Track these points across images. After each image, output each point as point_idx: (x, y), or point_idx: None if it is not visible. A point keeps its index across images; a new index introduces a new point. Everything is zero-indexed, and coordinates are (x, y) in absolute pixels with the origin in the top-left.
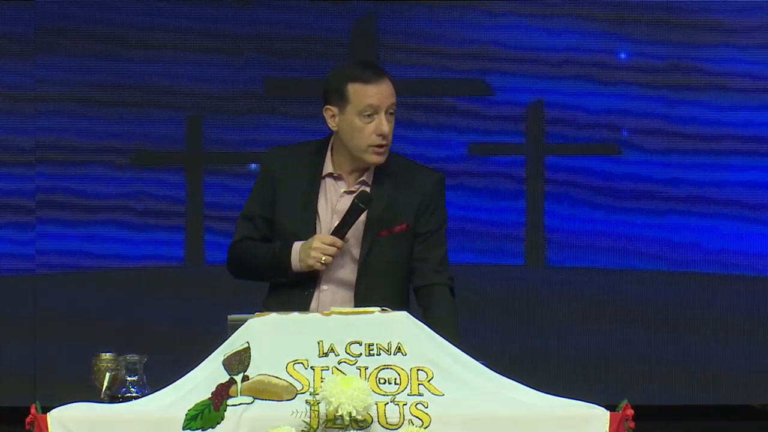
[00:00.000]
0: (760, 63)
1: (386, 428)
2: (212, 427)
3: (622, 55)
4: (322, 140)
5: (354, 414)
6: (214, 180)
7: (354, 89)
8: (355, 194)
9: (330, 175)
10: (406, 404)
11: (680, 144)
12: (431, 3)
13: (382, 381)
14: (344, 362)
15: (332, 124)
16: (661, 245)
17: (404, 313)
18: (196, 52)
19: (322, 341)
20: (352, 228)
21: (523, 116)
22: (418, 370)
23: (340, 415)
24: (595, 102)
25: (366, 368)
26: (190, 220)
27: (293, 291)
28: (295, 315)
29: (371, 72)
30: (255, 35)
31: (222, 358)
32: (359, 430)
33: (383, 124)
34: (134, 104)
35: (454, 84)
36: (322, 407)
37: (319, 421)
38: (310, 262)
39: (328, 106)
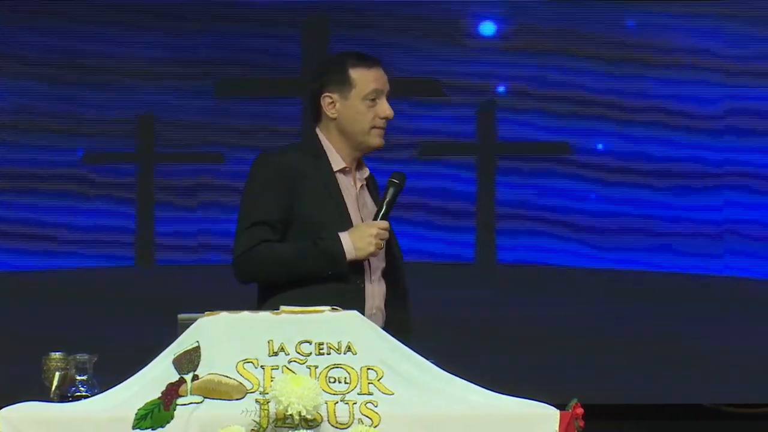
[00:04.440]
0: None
1: (336, 427)
2: (162, 427)
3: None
4: (305, 141)
5: (304, 413)
6: (166, 177)
7: (358, 74)
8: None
9: (341, 170)
10: (356, 403)
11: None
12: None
13: (332, 380)
14: (294, 361)
15: (331, 111)
16: (605, 242)
17: (355, 313)
18: (148, 51)
19: (272, 340)
20: (367, 217)
21: (475, 116)
22: (368, 369)
23: (290, 415)
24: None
25: (316, 367)
26: (140, 220)
27: (339, 285)
28: (245, 314)
29: (369, 58)
30: (206, 34)
31: (172, 358)
32: (309, 429)
33: (387, 107)
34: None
35: (406, 83)
36: (272, 406)
37: (268, 421)
38: (372, 249)
39: (328, 94)
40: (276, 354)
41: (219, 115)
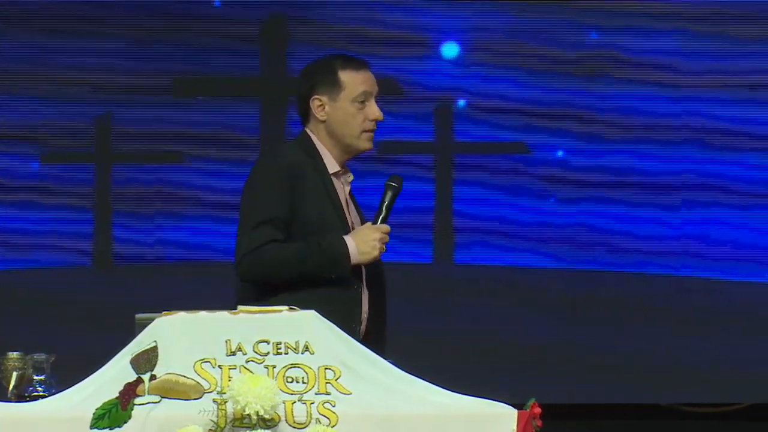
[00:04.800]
0: (668, 51)
1: (294, 427)
2: (119, 427)
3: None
4: (297, 141)
5: (261, 413)
6: (122, 176)
7: (347, 76)
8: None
9: (334, 173)
10: (313, 403)
11: (591, 140)
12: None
13: (289, 380)
14: (252, 361)
15: (320, 114)
16: (569, 241)
17: (312, 312)
18: (106, 47)
19: (230, 340)
20: (354, 224)
21: (432, 114)
22: (325, 369)
23: (248, 414)
24: (507, 100)
25: (274, 367)
26: (98, 221)
27: (340, 289)
28: (203, 314)
29: (358, 61)
30: (164, 31)
31: (129, 357)
32: (266, 429)
33: (376, 109)
34: (45, 97)
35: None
36: (230, 406)
37: (226, 420)
38: (376, 253)
39: (317, 96)
40: (234, 354)
41: (178, 115)
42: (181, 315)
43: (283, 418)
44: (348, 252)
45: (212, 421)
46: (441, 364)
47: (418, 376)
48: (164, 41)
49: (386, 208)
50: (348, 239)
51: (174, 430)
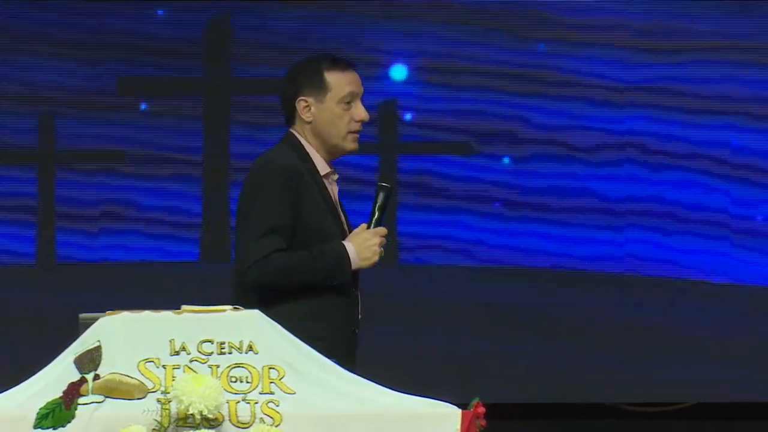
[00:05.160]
0: (613, 64)
1: (238, 427)
2: (63, 426)
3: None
4: (287, 145)
5: (205, 413)
6: (66, 178)
7: (333, 78)
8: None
9: (324, 175)
10: (257, 403)
11: (531, 147)
12: (286, 2)
13: (233, 379)
14: (196, 361)
15: (306, 115)
16: (513, 246)
17: (256, 312)
18: (50, 49)
19: (173, 340)
20: (345, 225)
21: (376, 116)
22: (269, 368)
23: (192, 414)
24: (448, 103)
25: (217, 367)
26: (42, 218)
27: (340, 294)
28: (147, 313)
29: (343, 61)
30: (108, 33)
31: (73, 357)
32: (210, 428)
33: (363, 110)
34: None
35: None
36: (174, 406)
37: (170, 420)
38: (376, 258)
39: (303, 98)
40: (177, 353)
41: (121, 114)
42: (125, 315)
43: (226, 418)
44: (349, 259)
45: (156, 420)
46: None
47: (360, 375)
48: (108, 40)
49: (379, 209)
50: (348, 245)
51: (118, 429)
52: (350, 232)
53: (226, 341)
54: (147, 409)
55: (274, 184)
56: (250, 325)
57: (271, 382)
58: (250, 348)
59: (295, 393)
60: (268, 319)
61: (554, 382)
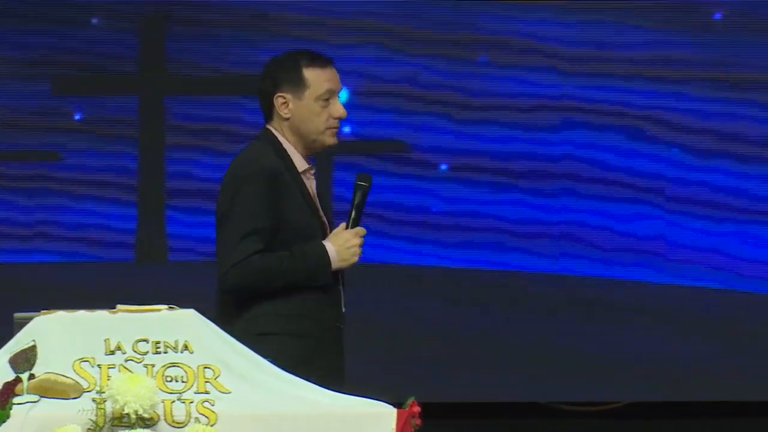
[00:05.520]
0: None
1: (173, 426)
2: None
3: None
4: (265, 142)
5: (140, 412)
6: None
7: (312, 74)
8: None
9: (303, 171)
10: (192, 402)
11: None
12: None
13: (168, 379)
14: (131, 360)
15: (284, 111)
16: (439, 242)
17: (192, 311)
18: None
19: (109, 339)
20: (324, 220)
21: None
22: (204, 368)
23: (127, 414)
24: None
25: (153, 366)
26: None
27: (321, 293)
28: (82, 313)
29: (323, 58)
30: (43, 31)
31: (8, 357)
32: (145, 428)
33: (340, 107)
34: None
35: (245, 81)
36: (109, 405)
37: (105, 420)
38: (356, 259)
39: (281, 94)
40: (113, 353)
41: (56, 114)
42: (60, 314)
43: (162, 418)
44: (330, 260)
45: (91, 420)
46: None
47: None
48: (42, 40)
49: (357, 208)
50: (328, 246)
51: (53, 429)
52: (331, 225)
53: (162, 341)
54: (82, 408)
55: (254, 185)
56: (186, 324)
57: (207, 382)
58: (186, 347)
59: (230, 392)
60: (204, 318)
61: (491, 381)
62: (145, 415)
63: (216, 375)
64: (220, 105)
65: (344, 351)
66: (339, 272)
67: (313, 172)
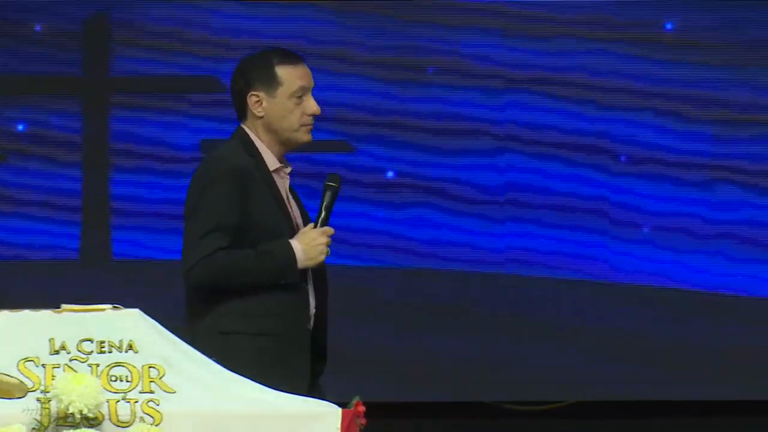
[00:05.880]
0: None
1: (118, 426)
2: None
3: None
4: (237, 141)
5: (85, 412)
6: None
7: (284, 72)
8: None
9: (275, 170)
10: (137, 402)
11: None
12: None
13: (113, 378)
14: (76, 360)
15: (257, 109)
16: (399, 239)
17: (136, 311)
18: None
19: (53, 339)
20: (297, 219)
21: None
22: (149, 367)
23: (71, 413)
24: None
25: (97, 366)
26: None
27: (287, 290)
28: (26, 312)
29: (294, 55)
30: None
31: None
32: (90, 427)
33: (314, 103)
34: None
35: (188, 80)
36: (54, 405)
37: (50, 419)
38: (323, 257)
39: (254, 92)
40: (57, 352)
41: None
42: (4, 313)
43: (107, 417)
44: (296, 258)
45: (36, 420)
46: None
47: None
48: None
49: (326, 209)
50: (295, 244)
51: None
52: (305, 224)
53: (106, 340)
54: (27, 408)
55: (221, 183)
56: (130, 324)
57: (151, 381)
58: (130, 347)
59: (175, 392)
60: (148, 318)
61: (432, 380)
62: (90, 415)
63: (161, 374)
64: (163, 104)
65: (312, 351)
66: (306, 271)
67: (288, 171)
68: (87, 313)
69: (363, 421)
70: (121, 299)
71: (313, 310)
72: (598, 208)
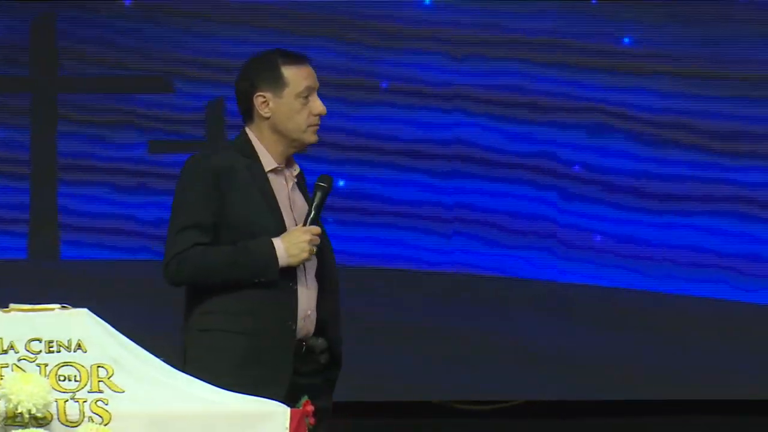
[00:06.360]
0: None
1: (67, 425)
2: None
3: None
4: (234, 141)
5: (34, 411)
6: None
7: (290, 72)
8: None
9: (273, 170)
10: (86, 401)
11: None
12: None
13: (62, 378)
14: (24, 359)
15: (264, 110)
16: (349, 241)
17: (85, 311)
18: None
19: (2, 338)
20: (297, 219)
21: (203, 114)
22: (98, 367)
23: (20, 413)
24: None
25: (46, 365)
26: None
27: (272, 289)
28: None
29: (299, 56)
30: None
31: None
32: (39, 427)
33: (320, 103)
34: None
35: (136, 81)
36: (2, 405)
37: None
38: (305, 255)
39: (260, 93)
40: (6, 352)
41: None
42: None
43: (56, 417)
44: (276, 255)
45: None
46: None
47: (189, 373)
48: None
49: (315, 208)
50: (276, 242)
51: None
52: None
53: (55, 340)
54: None
55: (198, 181)
56: (79, 323)
57: (100, 381)
58: (79, 346)
59: (124, 391)
60: (97, 317)
61: (380, 380)
62: (39, 415)
63: (109, 374)
64: (111, 105)
65: (295, 350)
66: (295, 272)
67: (296, 173)
68: (35, 313)
69: (312, 420)
70: (70, 299)
71: (308, 312)
72: None
